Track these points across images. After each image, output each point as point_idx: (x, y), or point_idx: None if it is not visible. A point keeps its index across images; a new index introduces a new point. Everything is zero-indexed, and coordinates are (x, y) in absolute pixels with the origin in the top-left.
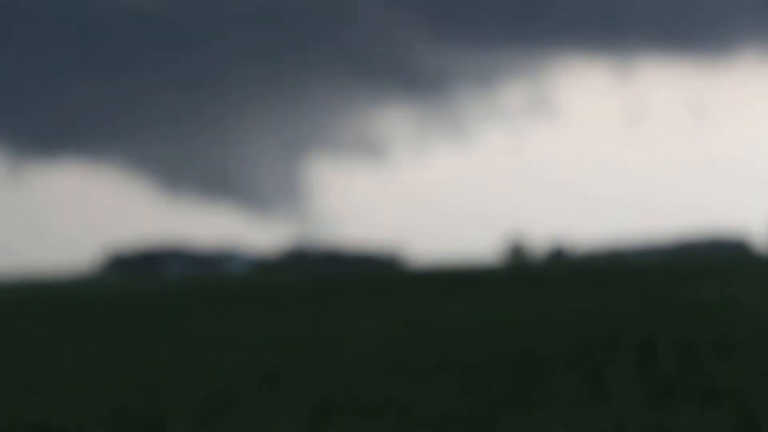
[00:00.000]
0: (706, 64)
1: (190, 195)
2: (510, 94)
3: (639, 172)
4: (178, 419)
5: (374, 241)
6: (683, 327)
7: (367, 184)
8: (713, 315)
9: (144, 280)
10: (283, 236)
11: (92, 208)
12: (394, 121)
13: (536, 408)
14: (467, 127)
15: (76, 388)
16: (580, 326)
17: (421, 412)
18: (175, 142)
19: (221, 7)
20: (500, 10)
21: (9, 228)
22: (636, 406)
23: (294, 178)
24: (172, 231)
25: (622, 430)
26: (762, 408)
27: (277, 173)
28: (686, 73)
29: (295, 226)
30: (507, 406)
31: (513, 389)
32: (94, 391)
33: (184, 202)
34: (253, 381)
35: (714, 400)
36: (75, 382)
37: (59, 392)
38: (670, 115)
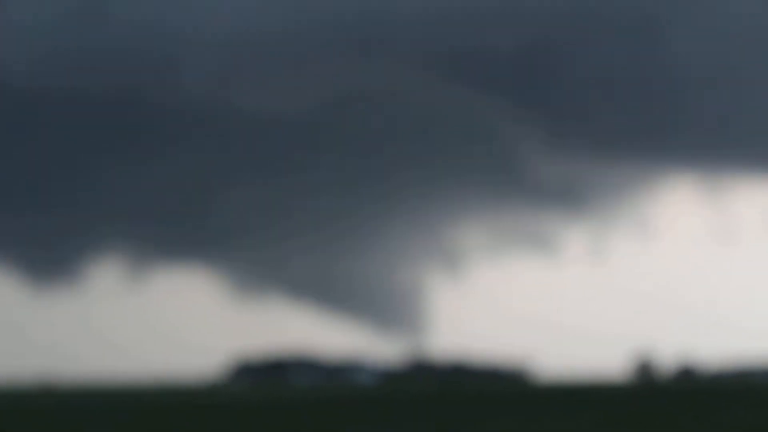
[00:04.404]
0: None
1: (315, 304)
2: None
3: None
4: None
5: (501, 355)
6: None
7: (492, 297)
8: None
9: (271, 389)
10: (406, 348)
11: (218, 315)
12: (512, 236)
13: None
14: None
15: None
16: None
17: None
18: (302, 251)
19: (356, 119)
20: (611, 121)
21: (132, 333)
22: None
23: (416, 290)
24: (298, 340)
25: None
26: None
27: (400, 284)
28: None
29: (418, 338)
30: None
31: None
32: None
33: (309, 311)
34: None
35: None
36: None
37: None
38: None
